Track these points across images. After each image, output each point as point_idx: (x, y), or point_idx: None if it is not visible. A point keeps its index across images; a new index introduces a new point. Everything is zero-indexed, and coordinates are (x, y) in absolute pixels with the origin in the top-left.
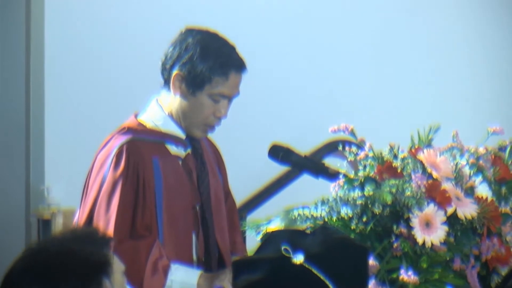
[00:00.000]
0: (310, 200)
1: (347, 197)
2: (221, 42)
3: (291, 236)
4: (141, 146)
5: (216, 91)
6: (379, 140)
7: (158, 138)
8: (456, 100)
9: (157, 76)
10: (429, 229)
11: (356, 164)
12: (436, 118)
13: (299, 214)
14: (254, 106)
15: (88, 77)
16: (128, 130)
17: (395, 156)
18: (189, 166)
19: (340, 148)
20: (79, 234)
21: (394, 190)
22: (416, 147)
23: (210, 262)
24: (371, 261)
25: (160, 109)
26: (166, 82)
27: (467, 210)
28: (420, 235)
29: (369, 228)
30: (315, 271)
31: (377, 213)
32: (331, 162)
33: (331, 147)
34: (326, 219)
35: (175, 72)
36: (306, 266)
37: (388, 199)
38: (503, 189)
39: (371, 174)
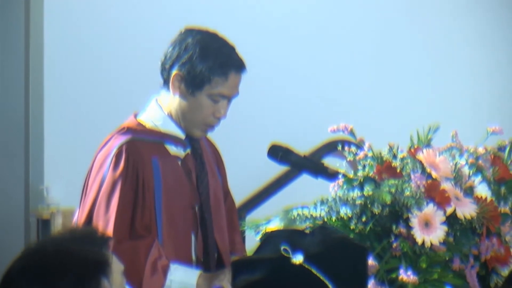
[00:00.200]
0: (310, 200)
1: (347, 197)
2: (220, 42)
3: (290, 236)
4: (140, 146)
5: (216, 91)
6: (379, 140)
7: (158, 138)
8: (455, 100)
9: (156, 76)
10: (429, 229)
11: (355, 164)
12: (435, 118)
13: (298, 214)
14: (253, 106)
15: (88, 77)
16: (128, 130)
17: (395, 156)
18: (189, 166)
19: (340, 148)
20: (78, 234)
21: (393, 190)
22: (416, 147)
23: (209, 262)
24: (371, 261)
25: (160, 109)
26: (166, 82)
27: (467, 210)
28: (419, 235)
29: (368, 228)
30: (314, 271)
31: (377, 213)
32: (330, 162)
33: (331, 147)
34: (325, 219)
35: (174, 72)
36: (306, 266)
37: (388, 199)
38: (503, 189)
39: (370, 174)
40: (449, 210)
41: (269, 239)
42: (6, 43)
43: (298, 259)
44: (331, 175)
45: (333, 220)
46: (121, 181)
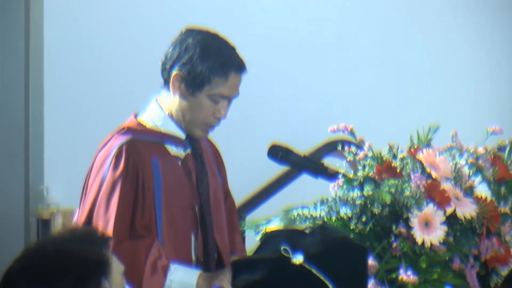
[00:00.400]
0: (310, 200)
1: (347, 197)
2: (221, 43)
3: (290, 236)
4: (140, 146)
5: (216, 92)
6: (379, 140)
7: (158, 138)
8: (455, 100)
9: (156, 76)
10: (428, 229)
11: (355, 164)
12: (435, 118)
13: (298, 214)
14: (253, 106)
15: (88, 77)
16: (128, 130)
17: (395, 156)
18: (189, 167)
19: (340, 148)
20: (78, 234)
21: (393, 190)
22: (416, 147)
23: (209, 262)
24: (370, 261)
25: (160, 109)
26: (166, 82)
27: (466, 210)
28: (419, 235)
29: (368, 228)
30: (314, 271)
31: (376, 213)
32: (330, 162)
33: (331, 147)
34: (325, 219)
35: (174, 72)
36: (306, 266)
37: (387, 199)
38: (502, 189)
39: (370, 174)
40: (449, 210)
41: (269, 239)
42: (6, 43)
43: (298, 259)
44: (331, 175)
45: (333, 220)
46: (121, 181)
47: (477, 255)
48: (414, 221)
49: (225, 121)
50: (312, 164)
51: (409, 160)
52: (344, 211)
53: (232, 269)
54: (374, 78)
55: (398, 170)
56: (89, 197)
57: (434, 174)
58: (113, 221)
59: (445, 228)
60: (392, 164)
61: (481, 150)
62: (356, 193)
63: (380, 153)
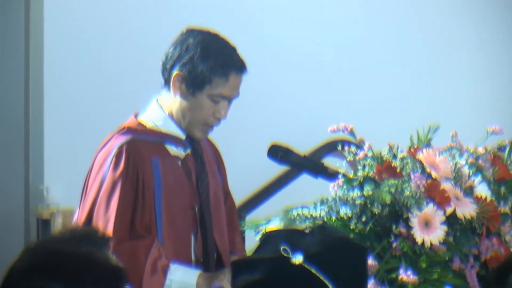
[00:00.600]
0: (310, 200)
1: (346, 197)
2: (222, 43)
3: (290, 236)
4: (140, 146)
5: (216, 92)
6: (378, 140)
7: (158, 138)
8: (455, 100)
9: (157, 76)
10: (428, 229)
11: (355, 164)
12: (435, 118)
13: (298, 214)
14: (253, 106)
15: (88, 77)
16: (128, 130)
17: (394, 156)
18: (189, 167)
19: (340, 148)
20: (78, 234)
21: (393, 190)
22: (415, 147)
23: (208, 262)
24: (370, 261)
25: (160, 109)
26: (167, 82)
27: (466, 210)
28: (419, 235)
29: (368, 228)
30: (314, 271)
31: (376, 213)
32: (330, 162)
33: (331, 147)
34: (325, 219)
35: (175, 72)
36: (305, 266)
37: (387, 199)
38: (502, 189)
39: (370, 174)
40: (449, 210)
41: (268, 239)
42: (6, 43)
43: (297, 259)
44: (331, 175)
45: (333, 220)
46: (121, 181)
47: (477, 255)
48: (414, 221)
49: (225, 121)
50: (312, 164)
51: (409, 160)
52: (344, 211)
53: (231, 269)
54: (374, 78)
55: (398, 170)
56: (89, 197)
57: (434, 174)
58: (113, 221)
59: (445, 228)
60: (392, 164)
61: (481, 150)
62: (356, 193)
63: (380, 153)
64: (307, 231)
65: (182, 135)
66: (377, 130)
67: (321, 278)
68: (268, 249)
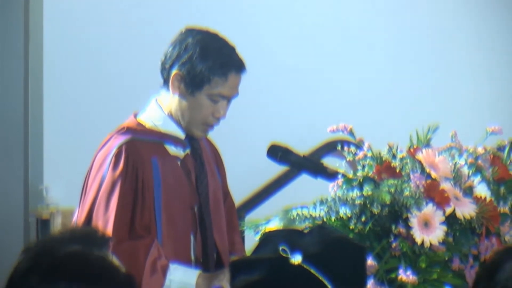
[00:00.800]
0: (309, 200)
1: (346, 197)
2: (221, 43)
3: (289, 236)
4: (140, 146)
5: (215, 92)
6: (378, 140)
7: (157, 138)
8: (455, 100)
9: (156, 76)
10: (428, 229)
11: (354, 164)
12: (434, 118)
13: (298, 214)
14: (253, 106)
15: (87, 77)
16: (127, 130)
17: (394, 156)
18: (188, 167)
19: (339, 148)
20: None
21: (392, 190)
22: (415, 147)
23: (208, 262)
24: (370, 261)
25: (160, 109)
26: (166, 82)
27: (466, 210)
28: (418, 235)
29: (367, 228)
30: (313, 271)
31: (376, 213)
32: (330, 162)
33: (330, 147)
34: (324, 219)
35: (174, 71)
36: (304, 266)
37: (387, 199)
38: (502, 189)
39: (369, 174)
40: (449, 210)
41: (267, 239)
42: (5, 43)
43: (296, 259)
44: (331, 175)
45: (333, 220)
46: (120, 181)
47: (476, 255)
48: (414, 221)
49: (225, 121)
50: (311, 164)
51: (408, 160)
52: (344, 211)
53: (230, 270)
54: (373, 78)
55: (397, 170)
56: (89, 197)
57: (433, 174)
58: (113, 221)
59: (444, 228)
60: (392, 164)
61: (480, 150)
62: (355, 193)
63: (379, 153)
64: (306, 231)
65: (181, 135)
66: (376, 130)
67: (320, 278)
68: (267, 249)
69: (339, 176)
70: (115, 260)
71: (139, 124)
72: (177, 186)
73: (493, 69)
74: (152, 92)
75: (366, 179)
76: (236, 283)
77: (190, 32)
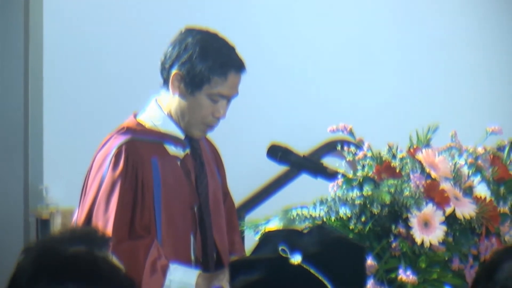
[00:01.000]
0: (309, 200)
1: (346, 197)
2: (220, 42)
3: (288, 236)
4: (140, 146)
5: (215, 91)
6: (378, 140)
7: (157, 138)
8: (455, 100)
9: (156, 76)
10: (428, 229)
11: (354, 164)
12: (434, 118)
13: (297, 214)
14: (252, 106)
15: (87, 77)
16: (127, 130)
17: (394, 156)
18: (188, 167)
19: (339, 148)
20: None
21: (392, 190)
22: (415, 147)
23: (208, 262)
24: (370, 261)
25: (159, 109)
26: (165, 81)
27: (466, 210)
28: (418, 235)
29: (367, 228)
30: (312, 271)
31: (376, 213)
32: (329, 162)
33: (330, 147)
34: (324, 219)
35: (174, 71)
36: (304, 266)
37: (387, 199)
38: (502, 189)
39: (369, 174)
40: (448, 210)
41: (266, 239)
42: (5, 43)
43: (296, 259)
44: (331, 175)
45: (333, 220)
46: (120, 181)
47: (476, 255)
48: (414, 221)
49: (224, 121)
50: (311, 164)
51: (408, 160)
52: (344, 211)
53: (230, 270)
54: (373, 78)
55: (397, 170)
56: (89, 197)
57: (433, 174)
58: (113, 221)
59: (444, 228)
60: (392, 164)
61: (480, 150)
62: (355, 193)
63: (379, 153)
64: (305, 231)
65: (181, 135)
66: (376, 130)
67: (320, 278)
68: (266, 249)
69: (339, 176)
70: (115, 260)
71: (139, 124)
72: (177, 186)
73: (493, 69)
74: (152, 92)
75: (366, 179)
76: (235, 283)
77: (190, 32)
